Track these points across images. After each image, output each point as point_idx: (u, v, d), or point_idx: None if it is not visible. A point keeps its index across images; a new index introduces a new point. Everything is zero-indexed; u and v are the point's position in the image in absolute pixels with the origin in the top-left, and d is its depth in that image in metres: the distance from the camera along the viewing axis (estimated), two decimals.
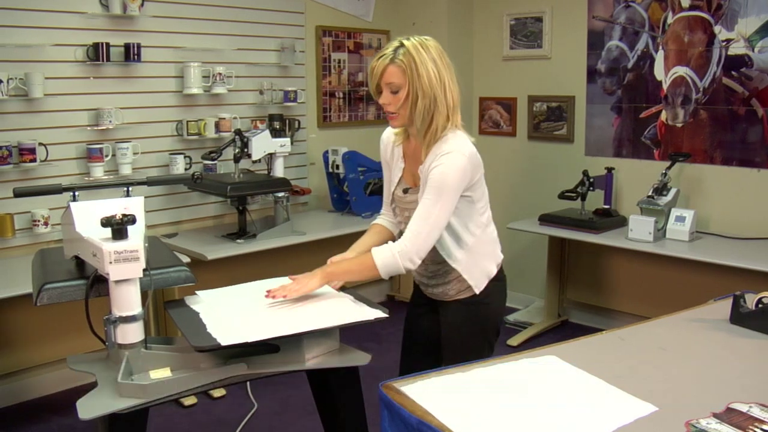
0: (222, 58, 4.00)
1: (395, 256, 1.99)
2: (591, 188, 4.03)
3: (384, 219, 2.33)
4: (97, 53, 3.47)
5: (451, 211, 2.01)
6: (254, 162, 3.74)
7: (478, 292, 2.16)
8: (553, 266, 4.47)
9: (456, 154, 1.98)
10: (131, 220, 1.78)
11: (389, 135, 2.25)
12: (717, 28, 3.75)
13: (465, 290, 2.17)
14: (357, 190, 4.26)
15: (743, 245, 3.57)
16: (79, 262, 2.02)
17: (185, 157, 3.86)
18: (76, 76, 3.48)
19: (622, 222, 3.98)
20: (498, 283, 2.22)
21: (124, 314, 1.79)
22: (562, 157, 4.52)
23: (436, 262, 2.16)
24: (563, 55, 4.46)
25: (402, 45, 2.00)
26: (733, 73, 3.73)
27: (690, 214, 3.64)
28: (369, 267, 2.02)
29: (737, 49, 3.69)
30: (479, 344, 2.20)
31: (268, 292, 2.05)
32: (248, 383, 3.45)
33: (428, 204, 1.99)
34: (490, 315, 2.23)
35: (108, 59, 3.51)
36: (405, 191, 2.16)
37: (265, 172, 3.85)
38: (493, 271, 2.20)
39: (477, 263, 2.16)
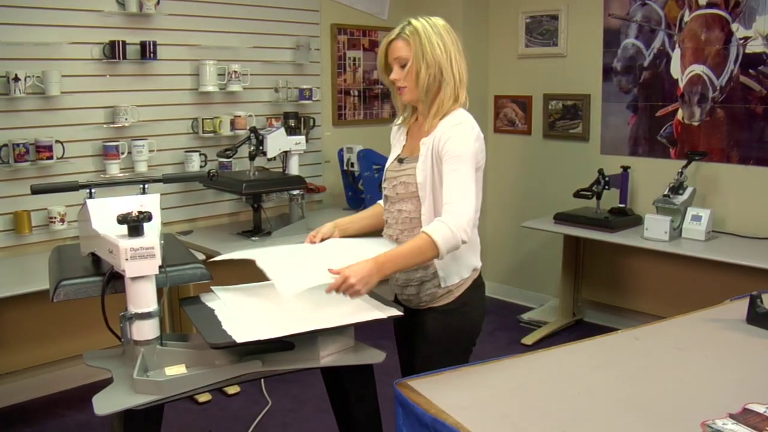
0: (237, 56, 4.01)
1: (452, 229, 1.84)
2: (606, 187, 4.00)
3: None
4: (113, 51, 3.50)
5: (474, 179, 1.94)
6: (269, 160, 3.74)
7: (453, 297, 2.05)
8: (568, 265, 4.45)
9: (467, 126, 1.98)
10: (147, 217, 1.78)
11: (398, 123, 2.24)
12: (734, 26, 3.71)
13: (441, 297, 2.07)
14: (372, 188, 4.26)
15: (760, 245, 3.54)
16: (96, 259, 2.03)
17: (200, 154, 3.88)
18: (93, 74, 3.51)
19: (638, 221, 3.95)
20: (477, 290, 2.11)
21: (139, 311, 1.80)
22: (578, 156, 4.50)
23: None
24: (579, 53, 4.43)
25: (409, 23, 2.03)
26: (751, 71, 3.69)
27: (706, 214, 3.61)
28: (429, 246, 1.84)
29: (755, 47, 3.66)
30: (455, 358, 2.02)
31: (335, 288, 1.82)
32: (262, 380, 3.47)
33: (453, 175, 1.91)
34: (469, 325, 2.10)
35: (124, 57, 3.53)
36: (400, 161, 2.11)
37: (280, 169, 3.86)
38: (468, 275, 2.07)
39: (456, 264, 2.04)
